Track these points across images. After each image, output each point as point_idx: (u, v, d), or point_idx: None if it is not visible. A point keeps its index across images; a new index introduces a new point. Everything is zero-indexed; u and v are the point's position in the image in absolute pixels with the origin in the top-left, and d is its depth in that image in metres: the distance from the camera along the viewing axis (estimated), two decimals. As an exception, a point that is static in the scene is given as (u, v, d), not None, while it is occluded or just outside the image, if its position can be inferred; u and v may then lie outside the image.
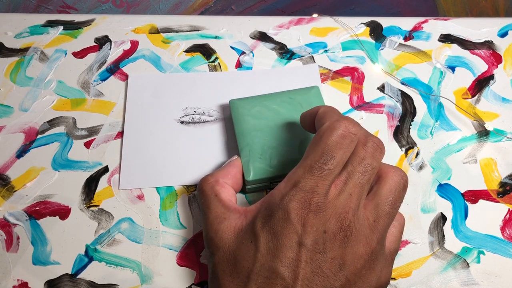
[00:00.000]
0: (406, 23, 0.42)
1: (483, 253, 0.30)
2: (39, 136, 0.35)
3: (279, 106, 0.33)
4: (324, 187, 0.23)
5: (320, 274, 0.22)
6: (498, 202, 0.32)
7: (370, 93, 0.38)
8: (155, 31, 0.41)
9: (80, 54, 0.39)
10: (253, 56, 0.40)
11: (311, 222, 0.23)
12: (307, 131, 0.30)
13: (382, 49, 0.40)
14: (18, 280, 0.29)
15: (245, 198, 0.32)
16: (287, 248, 0.23)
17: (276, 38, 0.41)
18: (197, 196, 0.29)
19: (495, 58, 0.40)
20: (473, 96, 0.38)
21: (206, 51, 0.40)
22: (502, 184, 0.33)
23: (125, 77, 0.38)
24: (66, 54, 0.39)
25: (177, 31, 0.41)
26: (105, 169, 0.33)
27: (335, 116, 0.26)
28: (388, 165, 0.26)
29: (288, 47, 0.40)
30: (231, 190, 0.29)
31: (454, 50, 0.40)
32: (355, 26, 0.42)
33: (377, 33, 0.41)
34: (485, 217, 0.32)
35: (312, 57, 0.40)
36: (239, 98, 0.35)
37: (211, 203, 0.27)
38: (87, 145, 0.34)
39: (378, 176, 0.26)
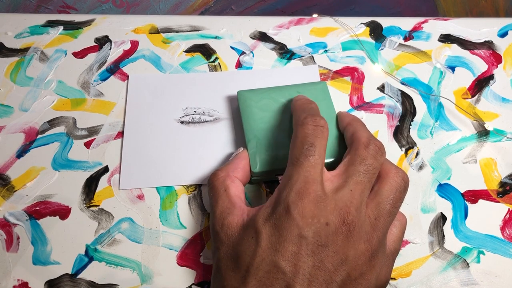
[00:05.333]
0: (406, 23, 0.42)
1: (483, 253, 0.30)
2: (39, 136, 0.35)
3: (286, 100, 0.34)
4: (316, 173, 0.24)
5: (321, 268, 0.22)
6: (498, 202, 0.32)
7: (370, 93, 0.38)
8: (155, 31, 0.41)
9: (80, 54, 0.39)
10: (253, 56, 0.40)
11: (311, 213, 0.23)
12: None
13: (382, 49, 0.40)
14: (18, 280, 0.29)
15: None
16: (288, 241, 0.23)
17: (276, 38, 0.41)
18: (207, 191, 0.30)
19: (495, 58, 0.40)
20: (473, 96, 0.38)
21: (206, 51, 0.40)
22: (502, 184, 0.33)
23: (125, 77, 0.38)
24: (66, 54, 0.39)
25: (177, 31, 0.41)
26: (105, 169, 0.33)
27: (304, 114, 0.28)
28: (389, 165, 0.27)
29: (288, 47, 0.40)
30: (241, 186, 0.29)
31: (454, 50, 0.40)
32: (355, 26, 0.42)
33: (377, 33, 0.41)
34: (485, 217, 0.32)
35: (312, 57, 0.39)
36: (247, 89, 0.35)
37: (220, 197, 0.27)
38: (87, 145, 0.34)
39: (379, 176, 0.26)
